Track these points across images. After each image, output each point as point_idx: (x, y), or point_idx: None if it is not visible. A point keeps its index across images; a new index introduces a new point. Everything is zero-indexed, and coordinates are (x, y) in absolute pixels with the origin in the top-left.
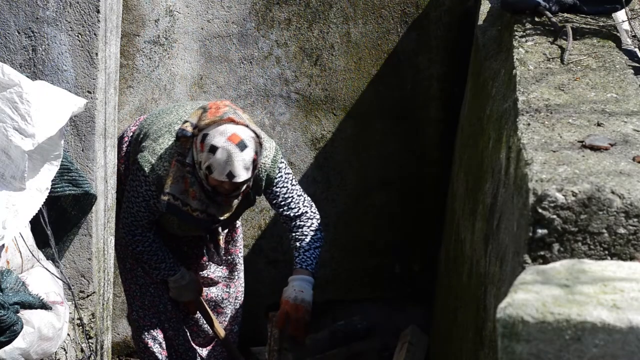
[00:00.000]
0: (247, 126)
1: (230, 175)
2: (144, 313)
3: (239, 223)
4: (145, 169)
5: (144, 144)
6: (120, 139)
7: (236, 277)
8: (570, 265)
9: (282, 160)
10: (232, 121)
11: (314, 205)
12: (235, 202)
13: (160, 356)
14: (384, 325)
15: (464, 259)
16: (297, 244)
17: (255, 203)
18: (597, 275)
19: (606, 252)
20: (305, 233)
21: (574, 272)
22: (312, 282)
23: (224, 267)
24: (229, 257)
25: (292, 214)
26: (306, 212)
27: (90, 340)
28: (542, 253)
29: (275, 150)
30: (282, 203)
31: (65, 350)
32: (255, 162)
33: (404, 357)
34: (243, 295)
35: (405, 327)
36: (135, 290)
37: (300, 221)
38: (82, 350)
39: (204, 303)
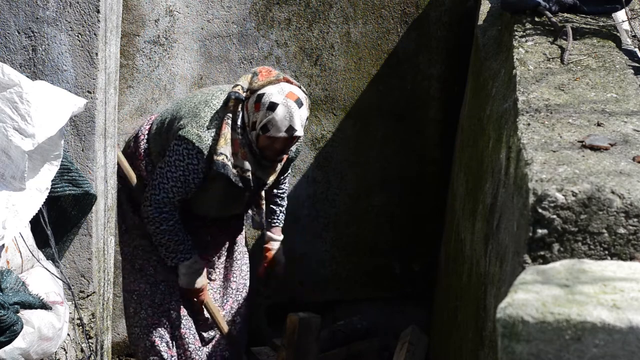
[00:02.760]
0: (300, 87)
1: (291, 129)
2: (153, 311)
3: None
4: (193, 140)
5: (180, 123)
6: (136, 138)
7: (239, 268)
8: (570, 265)
9: None
10: (287, 81)
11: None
12: (279, 166)
13: (165, 355)
14: (384, 325)
15: (464, 259)
16: (276, 208)
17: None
18: (597, 275)
19: (606, 252)
20: (282, 202)
21: (574, 272)
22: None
23: (228, 258)
24: (234, 246)
25: (280, 192)
26: (285, 190)
27: (90, 340)
28: (542, 253)
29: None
30: (282, 181)
31: (65, 350)
32: (305, 122)
33: (404, 357)
34: (247, 288)
35: (405, 327)
36: (145, 289)
37: (281, 197)
38: (82, 350)
39: (209, 296)
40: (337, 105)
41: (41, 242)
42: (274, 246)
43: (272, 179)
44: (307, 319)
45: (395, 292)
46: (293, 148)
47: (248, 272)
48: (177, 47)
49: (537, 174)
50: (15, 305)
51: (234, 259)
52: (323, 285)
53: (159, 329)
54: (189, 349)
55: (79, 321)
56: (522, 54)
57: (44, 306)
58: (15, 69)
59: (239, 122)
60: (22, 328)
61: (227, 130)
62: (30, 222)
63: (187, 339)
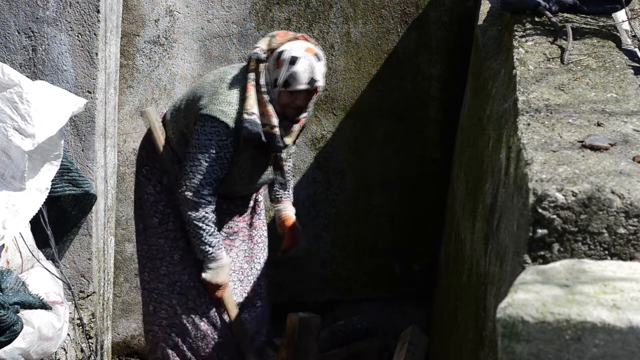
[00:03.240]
0: (316, 45)
1: (312, 80)
2: (174, 312)
3: (260, 197)
4: (217, 116)
5: (200, 104)
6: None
7: (261, 249)
8: (570, 265)
9: None
10: (305, 39)
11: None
12: (297, 127)
13: (188, 354)
14: (384, 325)
15: (464, 259)
16: (281, 187)
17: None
18: (597, 275)
19: (606, 252)
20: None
21: (574, 272)
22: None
23: (249, 241)
24: (254, 231)
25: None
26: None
27: (90, 340)
28: (542, 253)
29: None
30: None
31: (65, 350)
32: (324, 77)
33: (404, 357)
34: (266, 273)
35: (405, 327)
36: (162, 289)
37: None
38: (82, 350)
39: (228, 292)
40: (337, 105)
41: (41, 242)
42: (291, 213)
43: (291, 140)
44: (307, 319)
45: (395, 292)
46: (310, 110)
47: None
48: (177, 47)
49: (537, 174)
50: (15, 305)
51: (255, 242)
52: (323, 285)
53: (179, 329)
54: (209, 346)
55: (79, 321)
56: (522, 54)
57: (44, 306)
58: (15, 69)
59: (262, 82)
60: (22, 328)
61: (252, 91)
62: (30, 222)
63: (208, 337)
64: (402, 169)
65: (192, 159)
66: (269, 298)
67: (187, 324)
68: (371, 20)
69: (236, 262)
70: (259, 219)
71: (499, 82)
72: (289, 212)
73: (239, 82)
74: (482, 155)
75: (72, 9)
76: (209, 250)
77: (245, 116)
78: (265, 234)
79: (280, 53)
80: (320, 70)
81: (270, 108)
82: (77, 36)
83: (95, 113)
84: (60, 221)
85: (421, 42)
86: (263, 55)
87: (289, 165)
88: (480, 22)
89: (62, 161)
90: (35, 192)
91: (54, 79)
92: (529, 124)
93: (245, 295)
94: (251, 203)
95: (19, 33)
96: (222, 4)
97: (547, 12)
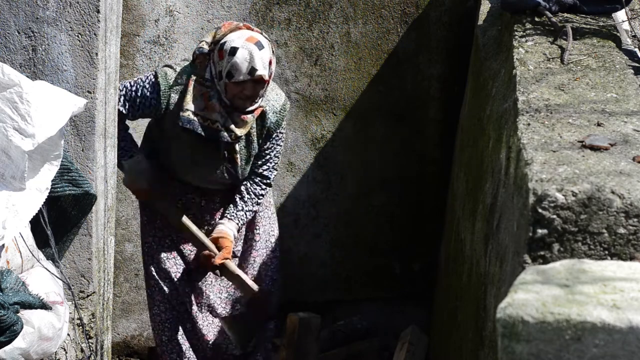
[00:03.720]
0: (261, 33)
1: (252, 70)
2: (165, 307)
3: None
4: (158, 73)
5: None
6: None
7: (263, 223)
8: (570, 265)
9: (286, 117)
10: (248, 28)
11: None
12: (250, 118)
13: (184, 347)
14: (384, 325)
15: (464, 259)
16: (239, 200)
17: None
18: (597, 275)
19: (606, 252)
20: (253, 193)
21: (574, 272)
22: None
23: (240, 244)
24: (249, 233)
25: (260, 171)
26: (269, 180)
27: (90, 340)
28: (542, 253)
29: (284, 100)
30: (264, 158)
31: (65, 350)
32: (270, 64)
33: (404, 357)
34: (276, 243)
35: (405, 327)
36: (154, 285)
37: (257, 183)
38: (82, 350)
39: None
40: (337, 105)
41: (41, 242)
42: (225, 229)
43: (243, 131)
44: (307, 319)
45: (395, 292)
46: (272, 117)
47: (275, 235)
48: (177, 47)
49: (537, 174)
50: (15, 305)
51: (256, 232)
52: (323, 285)
53: (171, 324)
54: (202, 342)
55: (79, 321)
56: (522, 54)
57: (44, 306)
58: (15, 69)
59: (207, 76)
60: (22, 328)
61: (191, 87)
62: (30, 222)
63: (200, 332)
64: (402, 169)
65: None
66: (279, 281)
67: (177, 322)
68: (371, 20)
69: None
70: (261, 219)
71: (499, 82)
72: (222, 227)
73: (186, 72)
74: (482, 155)
75: (72, 9)
76: (120, 154)
77: (181, 113)
78: (271, 222)
79: (222, 44)
80: (261, 59)
81: (214, 102)
82: (77, 36)
83: (95, 113)
84: (60, 221)
85: (421, 42)
86: (206, 49)
87: (267, 167)
88: (480, 22)
89: (62, 161)
90: (35, 192)
91: (54, 79)
92: (529, 124)
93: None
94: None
95: (19, 33)
96: (222, 4)
97: (547, 12)
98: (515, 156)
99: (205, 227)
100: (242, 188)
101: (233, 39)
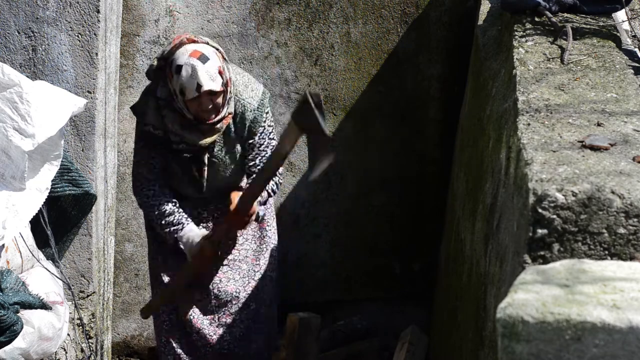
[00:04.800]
0: (207, 43)
1: (198, 86)
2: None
3: (270, 199)
4: (135, 112)
5: None
6: None
7: (264, 250)
8: (570, 265)
9: (269, 109)
10: (192, 41)
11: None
12: (220, 126)
13: (178, 350)
14: (384, 325)
15: (464, 259)
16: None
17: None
18: (597, 275)
19: (606, 252)
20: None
21: (574, 272)
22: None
23: (253, 242)
24: (258, 231)
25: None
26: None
27: (90, 340)
28: (542, 253)
29: (262, 94)
30: (256, 156)
31: (65, 350)
32: (221, 74)
33: (404, 357)
34: (275, 271)
35: (405, 327)
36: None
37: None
38: (82, 350)
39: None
40: (337, 105)
41: (41, 242)
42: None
43: (208, 141)
44: (307, 319)
45: (395, 292)
46: (249, 115)
47: (274, 255)
48: None
49: (537, 174)
50: (15, 305)
51: (263, 242)
52: (323, 285)
53: (167, 329)
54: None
55: (79, 321)
56: (522, 54)
57: (44, 306)
58: (15, 69)
59: (159, 94)
60: (22, 328)
61: (150, 102)
62: (30, 222)
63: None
64: (402, 169)
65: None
66: (272, 306)
67: (172, 327)
68: (371, 20)
69: (236, 261)
70: (263, 220)
71: (499, 82)
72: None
73: (147, 88)
74: (482, 155)
75: (72, 9)
76: (167, 230)
77: (144, 127)
78: (274, 238)
79: (170, 63)
80: (206, 72)
81: (168, 120)
82: (77, 36)
83: (95, 113)
84: (60, 221)
85: (421, 42)
86: (155, 65)
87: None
88: (480, 22)
89: (62, 161)
90: (35, 192)
91: (54, 79)
92: (529, 124)
93: (240, 294)
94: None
95: (19, 33)
96: (222, 4)
97: (547, 12)
98: (515, 156)
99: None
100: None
101: (178, 57)
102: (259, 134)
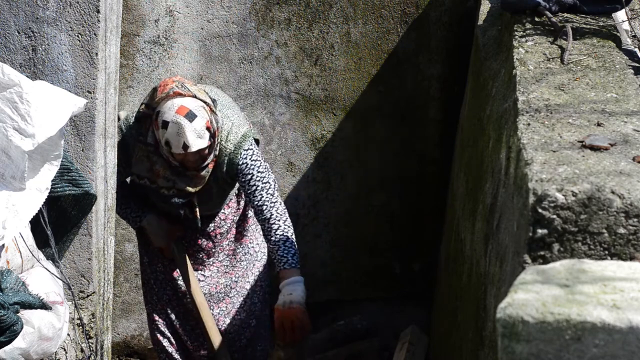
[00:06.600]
0: (194, 96)
1: (185, 146)
2: (151, 316)
3: (250, 213)
4: (120, 123)
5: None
6: None
7: (243, 267)
8: (570, 265)
9: (251, 148)
10: (179, 95)
11: (284, 214)
12: (205, 173)
13: (170, 349)
14: (384, 325)
15: (464, 259)
16: (271, 238)
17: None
18: (597, 275)
19: (606, 252)
20: (274, 228)
21: (574, 272)
22: (300, 280)
23: (232, 257)
24: (239, 247)
25: (261, 213)
26: (271, 216)
27: (90, 340)
28: (542, 253)
29: (242, 137)
30: (249, 194)
31: (65, 350)
32: (210, 129)
33: (404, 357)
34: (260, 289)
35: (405, 327)
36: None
37: (267, 223)
38: (82, 350)
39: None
40: (337, 105)
41: (41, 242)
42: (280, 300)
43: (197, 188)
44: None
45: (395, 292)
46: (239, 160)
47: (256, 271)
48: (177, 47)
49: (537, 174)
50: (15, 305)
51: (238, 260)
52: (323, 285)
53: (160, 330)
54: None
55: (79, 321)
56: (522, 54)
57: (44, 306)
58: (15, 69)
59: (148, 140)
60: (22, 328)
61: (138, 149)
62: (30, 222)
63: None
64: (402, 169)
65: None
66: (265, 313)
67: (165, 327)
68: (371, 20)
69: (213, 276)
70: (245, 235)
71: (499, 82)
72: (278, 299)
73: (134, 134)
74: (482, 155)
75: (72, 9)
76: (134, 220)
77: (132, 177)
78: (255, 251)
79: (157, 115)
80: (193, 131)
81: (158, 167)
82: (77, 36)
83: (95, 113)
84: (60, 221)
85: (421, 42)
86: (142, 111)
87: (257, 202)
88: (480, 22)
89: (62, 161)
90: (35, 192)
91: (54, 79)
92: (529, 124)
93: (229, 311)
94: (214, 225)
95: (19, 33)
96: (222, 4)
97: (547, 12)
98: (515, 156)
99: (194, 249)
100: (265, 231)
101: (164, 112)
102: (240, 173)
